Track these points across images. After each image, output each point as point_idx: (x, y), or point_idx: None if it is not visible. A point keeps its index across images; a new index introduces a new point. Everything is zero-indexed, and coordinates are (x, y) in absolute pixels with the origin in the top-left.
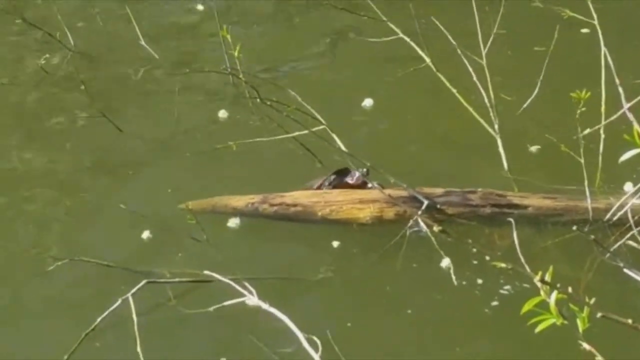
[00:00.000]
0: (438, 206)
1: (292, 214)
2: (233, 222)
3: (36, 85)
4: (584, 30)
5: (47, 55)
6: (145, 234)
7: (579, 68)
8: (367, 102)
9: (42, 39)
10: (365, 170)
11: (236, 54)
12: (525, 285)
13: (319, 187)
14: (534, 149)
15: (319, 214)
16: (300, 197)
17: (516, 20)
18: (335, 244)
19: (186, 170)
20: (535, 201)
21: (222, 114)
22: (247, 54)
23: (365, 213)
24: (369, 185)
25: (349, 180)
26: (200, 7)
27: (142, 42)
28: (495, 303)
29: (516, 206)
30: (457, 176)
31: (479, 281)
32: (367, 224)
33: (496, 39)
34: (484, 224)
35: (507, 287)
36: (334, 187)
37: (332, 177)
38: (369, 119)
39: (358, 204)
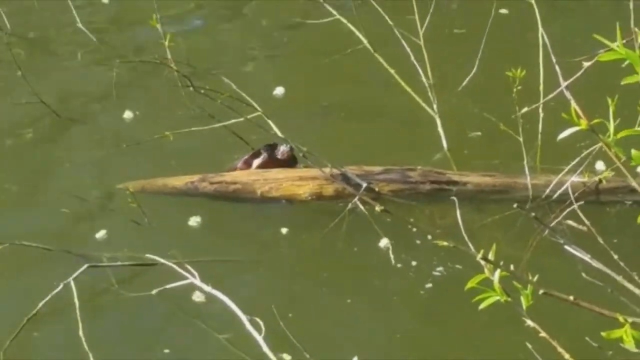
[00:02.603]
0: (377, 189)
1: (232, 191)
2: (194, 221)
3: None
4: (503, 11)
5: None
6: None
7: (506, 49)
8: (278, 91)
9: None
10: (289, 145)
11: (166, 43)
12: (458, 266)
13: (246, 162)
14: (474, 135)
15: (259, 191)
16: (239, 176)
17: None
18: (284, 230)
19: (122, 156)
20: (474, 178)
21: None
22: (179, 42)
23: (305, 190)
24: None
25: (278, 155)
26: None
27: (80, 25)
28: (429, 285)
29: (455, 183)
30: (394, 157)
31: (413, 263)
32: (306, 200)
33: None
34: (424, 203)
35: (440, 268)
36: (264, 163)
37: (262, 152)
38: (295, 104)
39: (297, 181)
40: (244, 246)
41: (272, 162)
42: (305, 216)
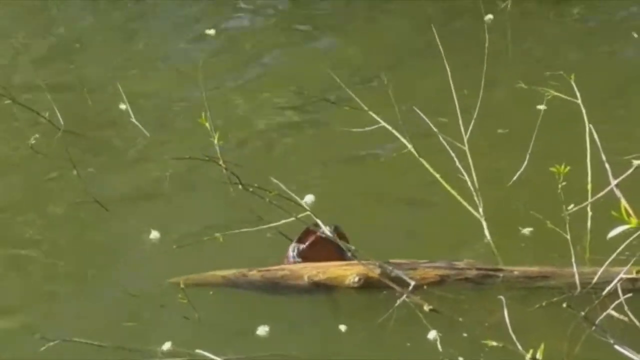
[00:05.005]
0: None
1: (280, 277)
2: (263, 330)
3: (27, 167)
4: (540, 107)
5: (37, 136)
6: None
7: (551, 145)
8: (308, 199)
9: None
10: (333, 227)
11: (215, 141)
12: None
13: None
14: (526, 231)
15: (306, 276)
16: (288, 265)
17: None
18: (343, 328)
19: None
20: (520, 267)
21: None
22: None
23: (352, 272)
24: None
25: (320, 232)
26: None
27: (133, 119)
28: None
29: (501, 270)
30: (440, 253)
31: (460, 359)
32: (353, 286)
33: (467, 121)
34: (472, 297)
35: None
36: (303, 253)
37: (296, 245)
38: (336, 202)
39: (344, 266)
40: (300, 343)
41: (320, 243)
42: (353, 310)
